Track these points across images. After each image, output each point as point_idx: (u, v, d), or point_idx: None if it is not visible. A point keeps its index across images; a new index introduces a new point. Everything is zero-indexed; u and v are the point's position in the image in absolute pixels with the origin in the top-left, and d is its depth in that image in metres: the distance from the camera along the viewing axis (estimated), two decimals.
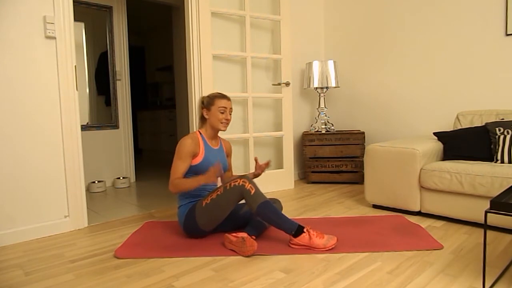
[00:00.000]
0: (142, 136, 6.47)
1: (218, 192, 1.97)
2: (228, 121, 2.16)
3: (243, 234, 1.90)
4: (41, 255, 1.99)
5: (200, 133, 2.18)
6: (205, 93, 2.95)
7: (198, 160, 2.08)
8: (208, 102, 2.17)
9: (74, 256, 1.95)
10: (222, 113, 2.14)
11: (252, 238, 1.89)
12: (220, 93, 2.19)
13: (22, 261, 1.91)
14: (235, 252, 1.90)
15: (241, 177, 1.98)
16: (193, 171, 2.08)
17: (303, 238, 1.89)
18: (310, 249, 1.90)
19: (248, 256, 1.85)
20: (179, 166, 2.03)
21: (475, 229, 2.20)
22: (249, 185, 1.93)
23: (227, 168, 2.25)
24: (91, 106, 3.80)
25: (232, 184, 1.95)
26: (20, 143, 2.21)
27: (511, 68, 2.84)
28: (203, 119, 2.22)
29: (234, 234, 1.93)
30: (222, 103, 2.14)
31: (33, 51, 2.24)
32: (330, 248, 1.88)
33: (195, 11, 2.89)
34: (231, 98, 3.17)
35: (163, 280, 1.63)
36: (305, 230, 1.91)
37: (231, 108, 2.18)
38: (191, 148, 2.05)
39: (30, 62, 2.23)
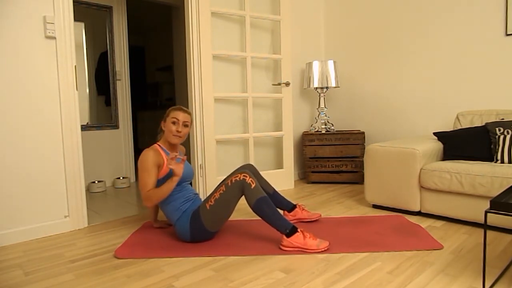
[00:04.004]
0: (142, 136, 6.47)
1: (221, 191, 1.97)
2: (179, 133, 2.10)
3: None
4: (41, 255, 1.99)
5: (159, 145, 2.14)
6: (205, 93, 2.96)
7: (166, 170, 2.04)
8: (166, 114, 2.16)
9: (74, 256, 1.95)
10: (174, 123, 2.10)
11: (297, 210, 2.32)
12: (179, 107, 2.16)
13: (22, 261, 1.91)
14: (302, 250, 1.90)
15: (241, 171, 1.99)
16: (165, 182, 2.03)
17: (297, 237, 1.89)
18: (302, 251, 1.89)
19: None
20: (148, 178, 1.99)
21: (475, 229, 2.20)
22: (250, 179, 1.94)
23: (192, 173, 2.22)
24: (91, 106, 3.80)
25: (233, 180, 1.95)
26: (20, 143, 2.21)
27: (511, 68, 2.84)
28: (162, 131, 2.20)
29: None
30: (175, 114, 2.10)
31: (33, 51, 2.24)
32: (322, 250, 1.88)
33: (195, 11, 2.89)
34: (231, 99, 3.20)
35: (163, 280, 1.63)
36: (299, 230, 1.91)
37: (186, 121, 2.12)
38: (154, 158, 2.01)
39: (30, 62, 2.23)
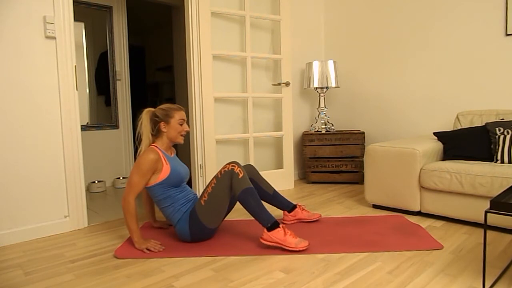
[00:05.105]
0: None
1: (212, 184, 1.98)
2: (186, 132, 2.12)
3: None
4: (41, 255, 1.99)
5: (158, 148, 2.07)
6: (205, 93, 2.96)
7: (166, 173, 2.00)
8: (165, 115, 2.08)
9: (74, 256, 1.95)
10: (181, 125, 2.10)
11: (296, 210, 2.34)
12: (175, 105, 2.13)
13: (22, 261, 1.91)
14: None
15: (229, 162, 2.01)
16: (166, 184, 2.01)
17: (277, 233, 1.89)
18: (280, 246, 1.90)
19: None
20: (139, 182, 1.95)
21: (475, 229, 2.20)
22: (238, 169, 1.96)
23: (188, 172, 2.18)
24: (91, 106, 3.80)
25: (223, 171, 1.98)
26: (20, 143, 2.21)
27: (511, 68, 2.84)
28: (157, 133, 2.12)
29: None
30: (181, 115, 2.10)
31: (33, 51, 2.24)
32: (300, 249, 1.88)
33: (195, 11, 2.89)
34: (231, 99, 3.20)
35: (163, 280, 1.63)
36: (280, 226, 1.91)
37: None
38: (154, 165, 1.97)
39: (30, 62, 2.23)
